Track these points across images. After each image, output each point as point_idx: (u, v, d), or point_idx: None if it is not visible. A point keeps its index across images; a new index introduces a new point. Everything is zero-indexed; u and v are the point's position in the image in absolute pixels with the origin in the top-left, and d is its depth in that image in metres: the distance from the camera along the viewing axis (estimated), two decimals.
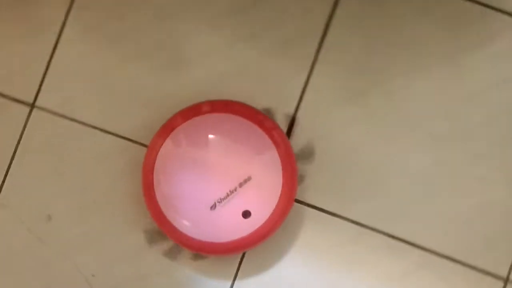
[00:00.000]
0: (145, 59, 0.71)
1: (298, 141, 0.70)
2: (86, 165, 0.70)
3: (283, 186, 0.65)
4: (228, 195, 0.64)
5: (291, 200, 0.66)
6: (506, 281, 0.70)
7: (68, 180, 0.70)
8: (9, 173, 0.71)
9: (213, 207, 0.64)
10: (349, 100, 0.71)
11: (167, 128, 0.67)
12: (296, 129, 0.70)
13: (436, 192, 0.71)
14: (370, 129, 0.71)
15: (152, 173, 0.66)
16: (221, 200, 0.64)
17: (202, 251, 0.67)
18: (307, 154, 0.70)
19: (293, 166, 0.66)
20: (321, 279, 0.69)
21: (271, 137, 0.66)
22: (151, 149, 0.67)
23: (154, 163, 0.66)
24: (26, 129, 0.71)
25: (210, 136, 0.66)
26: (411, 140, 0.71)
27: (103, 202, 0.70)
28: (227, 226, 0.65)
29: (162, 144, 0.66)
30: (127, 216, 0.70)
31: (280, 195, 0.65)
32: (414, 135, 0.71)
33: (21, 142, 0.71)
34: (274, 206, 0.65)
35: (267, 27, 0.71)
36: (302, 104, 0.71)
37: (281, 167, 0.65)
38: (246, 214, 0.65)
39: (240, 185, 0.64)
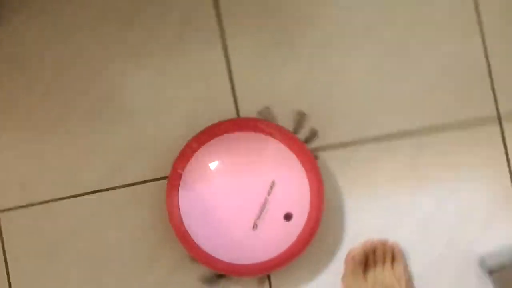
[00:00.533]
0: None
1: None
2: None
3: (308, 177, 0.64)
4: (262, 209, 0.63)
5: (320, 186, 0.65)
6: (499, 118, 0.73)
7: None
8: None
9: (255, 226, 0.63)
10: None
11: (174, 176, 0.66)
12: None
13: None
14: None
15: (182, 222, 0.64)
16: (258, 217, 0.63)
17: (263, 271, 0.65)
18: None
19: (308, 154, 0.66)
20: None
21: (272, 136, 0.66)
22: (170, 200, 0.65)
23: (179, 213, 0.64)
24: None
25: (221, 160, 0.65)
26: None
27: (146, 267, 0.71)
28: (276, 235, 0.63)
29: (177, 192, 0.65)
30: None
31: (310, 188, 0.64)
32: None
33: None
34: (308, 198, 0.64)
35: None
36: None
37: (297, 158, 0.65)
38: (288, 217, 0.63)
39: (268, 193, 0.63)
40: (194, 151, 0.65)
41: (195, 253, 0.64)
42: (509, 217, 0.73)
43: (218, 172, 0.64)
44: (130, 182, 0.72)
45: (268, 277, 0.69)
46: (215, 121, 0.70)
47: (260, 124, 0.67)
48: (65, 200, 0.72)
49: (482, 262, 0.70)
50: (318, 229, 0.65)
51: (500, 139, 0.74)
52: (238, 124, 0.67)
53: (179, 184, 0.65)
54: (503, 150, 0.74)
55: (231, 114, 0.71)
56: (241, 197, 0.63)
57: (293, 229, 0.63)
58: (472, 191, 0.73)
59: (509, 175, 0.74)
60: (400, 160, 0.73)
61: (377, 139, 0.72)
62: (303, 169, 0.64)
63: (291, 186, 0.64)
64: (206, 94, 0.73)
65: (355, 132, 0.73)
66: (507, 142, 0.74)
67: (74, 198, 0.72)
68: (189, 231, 0.64)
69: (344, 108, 0.73)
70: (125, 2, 0.75)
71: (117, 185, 0.72)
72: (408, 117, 0.74)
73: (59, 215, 0.72)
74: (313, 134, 0.70)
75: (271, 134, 0.65)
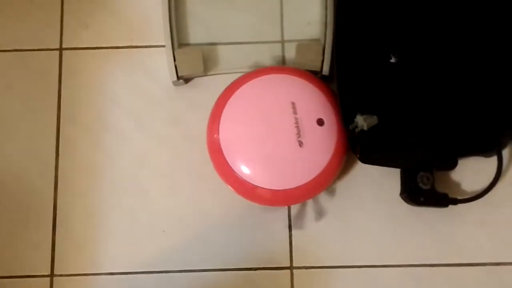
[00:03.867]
0: None
1: None
2: None
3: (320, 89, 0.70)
4: (298, 127, 0.67)
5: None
6: None
7: None
8: None
9: (301, 144, 0.67)
10: None
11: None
12: None
13: None
14: None
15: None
16: (299, 135, 0.67)
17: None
18: None
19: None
20: None
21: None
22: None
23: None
24: None
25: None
26: None
27: None
28: (321, 142, 0.67)
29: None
30: None
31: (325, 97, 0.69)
32: None
33: None
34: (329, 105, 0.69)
35: None
36: None
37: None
38: (320, 122, 0.68)
39: (294, 112, 0.67)
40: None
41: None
42: None
43: (249, 115, 0.69)
44: None
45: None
46: None
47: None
48: None
49: None
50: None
51: None
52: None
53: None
54: None
55: None
56: (276, 126, 0.68)
57: (330, 132, 0.69)
58: None
59: None
60: None
61: None
62: (313, 87, 0.70)
63: (309, 101, 0.69)
64: None
65: None
66: None
67: None
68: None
69: None
70: None
71: None
72: None
73: None
74: None
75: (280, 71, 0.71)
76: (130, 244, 0.73)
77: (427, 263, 0.72)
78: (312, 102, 0.69)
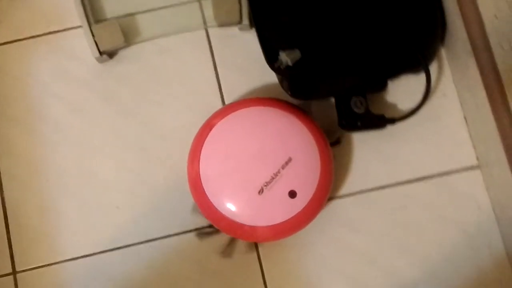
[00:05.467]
0: None
1: None
2: None
3: (321, 165, 0.67)
4: (273, 178, 0.65)
5: (330, 177, 0.68)
6: None
7: None
8: None
9: (261, 191, 0.65)
10: None
11: (207, 126, 0.68)
12: None
13: None
14: None
15: (199, 171, 0.66)
16: (267, 184, 0.65)
17: (254, 236, 0.68)
18: None
19: (327, 146, 0.69)
20: None
21: (302, 121, 0.68)
22: (194, 150, 0.68)
23: (199, 162, 0.66)
24: None
25: (247, 128, 0.67)
26: None
27: None
28: (276, 208, 0.66)
29: (204, 141, 0.67)
30: None
31: (320, 173, 0.66)
32: None
33: None
34: (316, 184, 0.66)
35: None
36: None
37: (316, 146, 0.67)
38: (292, 194, 0.65)
39: (283, 167, 0.65)
40: (220, 120, 0.68)
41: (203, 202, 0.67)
42: None
43: (240, 138, 0.68)
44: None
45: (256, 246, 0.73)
46: None
47: (295, 109, 0.70)
48: None
49: None
50: (317, 215, 0.68)
51: None
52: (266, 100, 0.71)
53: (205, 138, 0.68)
54: None
55: None
56: (257, 163, 0.66)
57: (293, 207, 0.66)
58: None
59: None
60: None
61: None
62: (319, 160, 0.67)
63: (304, 171, 0.67)
64: None
65: None
66: None
67: None
68: (205, 188, 0.66)
69: None
70: None
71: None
72: None
73: None
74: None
75: (303, 121, 0.68)
76: (87, 226, 0.73)
77: (379, 185, 0.74)
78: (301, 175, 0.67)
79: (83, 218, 0.73)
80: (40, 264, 0.72)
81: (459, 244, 0.72)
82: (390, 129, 0.73)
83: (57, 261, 0.72)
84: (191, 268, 0.72)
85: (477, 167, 0.73)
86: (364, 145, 0.74)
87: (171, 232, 0.73)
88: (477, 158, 0.73)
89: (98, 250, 0.72)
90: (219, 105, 0.75)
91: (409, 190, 0.73)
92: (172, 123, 0.75)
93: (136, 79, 0.75)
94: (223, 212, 0.65)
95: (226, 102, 0.76)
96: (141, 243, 0.73)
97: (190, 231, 0.73)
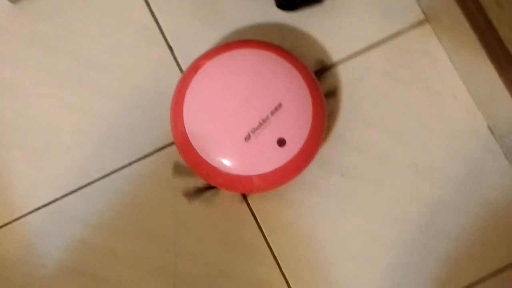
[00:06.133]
0: None
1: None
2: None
3: (313, 112, 0.63)
4: (260, 124, 0.62)
5: (322, 125, 0.65)
6: None
7: None
8: None
9: (247, 138, 0.61)
10: None
11: (193, 68, 0.64)
12: None
13: None
14: None
15: (182, 114, 0.63)
16: (254, 130, 0.61)
17: (240, 186, 0.65)
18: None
19: (319, 92, 0.65)
20: None
21: (296, 67, 0.64)
22: (179, 91, 0.64)
23: (182, 104, 0.63)
24: None
25: (237, 70, 0.64)
26: None
27: None
28: (263, 156, 0.62)
29: (188, 84, 0.63)
30: None
31: (312, 121, 0.63)
32: None
33: None
34: (307, 133, 0.63)
35: None
36: None
37: (309, 93, 0.64)
38: (281, 142, 0.62)
39: (272, 113, 0.62)
40: (208, 60, 0.65)
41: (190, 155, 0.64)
42: None
43: (227, 82, 0.64)
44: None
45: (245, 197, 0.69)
46: None
47: (288, 54, 0.66)
48: None
49: None
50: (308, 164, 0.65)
51: None
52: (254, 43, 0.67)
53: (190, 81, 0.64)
54: None
55: None
56: (245, 107, 0.62)
57: (282, 156, 0.63)
58: None
59: None
60: None
61: None
62: (311, 107, 0.64)
63: (294, 118, 0.63)
64: None
65: None
66: None
67: None
68: (188, 134, 0.63)
69: None
70: None
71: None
72: None
73: None
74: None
75: (297, 67, 0.65)
76: (41, 174, 0.69)
77: (332, 61, 0.71)
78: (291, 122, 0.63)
79: (34, 167, 0.69)
80: (1, 224, 0.68)
81: (423, 101, 0.70)
82: (327, 1, 0.70)
83: (19, 216, 0.68)
84: (163, 193, 0.69)
85: (425, 21, 0.71)
86: (305, 25, 0.71)
87: (131, 160, 0.69)
88: (423, 12, 0.71)
89: (59, 195, 0.69)
90: (150, 22, 0.71)
91: (362, 60, 0.71)
92: (105, 50, 0.71)
93: (57, 12, 0.70)
94: (210, 161, 0.62)
95: (157, 17, 0.71)
96: (100, 179, 0.69)
97: (150, 154, 0.69)
